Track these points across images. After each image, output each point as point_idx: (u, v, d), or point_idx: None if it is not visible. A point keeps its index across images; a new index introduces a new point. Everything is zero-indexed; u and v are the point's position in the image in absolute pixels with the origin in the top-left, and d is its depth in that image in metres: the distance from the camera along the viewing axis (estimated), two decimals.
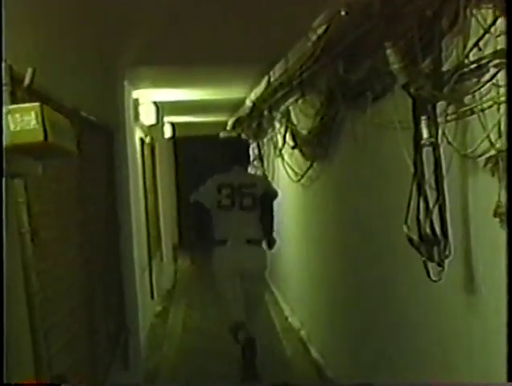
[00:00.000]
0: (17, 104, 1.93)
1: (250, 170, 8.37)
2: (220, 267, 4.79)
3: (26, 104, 1.86)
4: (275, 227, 5.11)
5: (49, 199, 2.53)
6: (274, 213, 5.02)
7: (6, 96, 2.05)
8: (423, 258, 2.26)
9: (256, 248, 4.80)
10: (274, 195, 5.04)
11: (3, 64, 2.03)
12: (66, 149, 2.00)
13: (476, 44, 1.93)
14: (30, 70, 2.16)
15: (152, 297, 6.76)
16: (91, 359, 3.14)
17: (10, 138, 1.78)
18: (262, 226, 4.84)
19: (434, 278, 2.25)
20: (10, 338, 1.98)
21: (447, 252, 2.24)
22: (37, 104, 1.81)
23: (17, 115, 1.80)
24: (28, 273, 2.18)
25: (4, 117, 1.81)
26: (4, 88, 2.05)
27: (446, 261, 2.23)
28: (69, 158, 2.65)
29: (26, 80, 2.15)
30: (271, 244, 5.02)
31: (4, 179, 2.02)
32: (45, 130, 1.77)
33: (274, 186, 5.35)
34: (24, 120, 1.81)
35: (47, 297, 2.35)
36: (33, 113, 1.79)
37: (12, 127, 1.80)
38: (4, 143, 1.70)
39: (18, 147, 1.79)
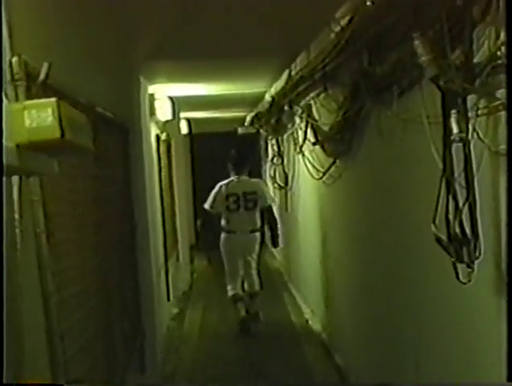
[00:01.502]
0: (32, 100, 1.89)
1: (268, 167, 8.41)
2: (230, 249, 6.72)
3: (43, 100, 1.81)
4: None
5: (64, 198, 2.49)
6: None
7: (21, 92, 2.02)
8: (452, 259, 2.19)
9: (255, 235, 6.73)
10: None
11: (14, 59, 1.99)
12: (82, 146, 1.95)
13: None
14: (45, 65, 2.13)
15: (168, 298, 6.72)
16: (107, 362, 3.11)
17: (26, 135, 1.73)
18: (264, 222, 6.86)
19: (463, 280, 2.19)
20: (26, 340, 1.95)
21: (477, 253, 2.19)
22: (53, 99, 1.76)
23: (33, 111, 1.74)
24: (44, 273, 2.18)
25: (19, 113, 1.75)
26: (19, 82, 2.02)
27: (476, 262, 2.16)
28: (85, 154, 2.60)
29: (42, 75, 2.11)
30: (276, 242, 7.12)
31: (19, 178, 1.99)
32: (62, 127, 1.72)
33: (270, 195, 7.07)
34: (40, 116, 1.75)
35: (63, 298, 2.33)
36: (49, 110, 1.74)
37: (28, 123, 1.74)
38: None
39: (34, 144, 1.73)
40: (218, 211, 6.64)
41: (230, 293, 6.76)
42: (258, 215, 6.69)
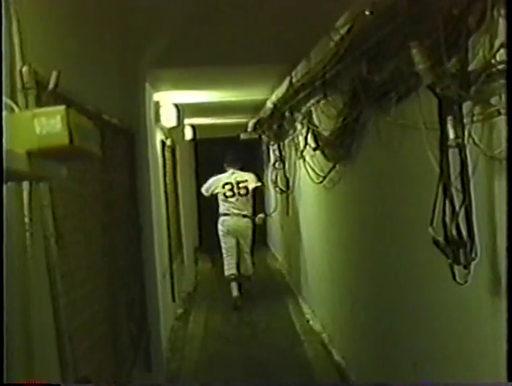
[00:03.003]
0: (42, 107, 1.93)
1: (270, 172, 8.65)
2: (224, 230, 7.78)
3: (52, 108, 1.84)
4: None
5: (73, 201, 2.54)
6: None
7: (31, 100, 2.07)
8: (449, 261, 2.23)
9: (247, 220, 7.80)
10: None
11: (25, 68, 2.05)
12: (90, 152, 1.99)
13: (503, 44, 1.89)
14: (54, 73, 2.17)
15: (173, 299, 6.78)
16: (114, 361, 3.15)
17: (36, 142, 1.76)
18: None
19: (459, 281, 2.22)
20: (36, 340, 1.99)
21: (473, 255, 2.21)
22: (62, 107, 1.79)
23: (43, 118, 1.78)
24: (53, 275, 2.19)
25: (29, 120, 1.80)
26: (29, 91, 2.07)
27: (472, 264, 2.20)
28: (93, 160, 2.66)
29: (51, 84, 2.16)
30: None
31: (29, 183, 2.04)
32: (70, 134, 1.75)
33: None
34: (50, 123, 1.78)
35: (71, 299, 2.36)
36: (58, 117, 1.77)
37: (38, 130, 1.78)
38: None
39: (44, 151, 1.78)
40: (213, 194, 7.76)
41: (227, 273, 7.80)
42: (249, 202, 7.74)
